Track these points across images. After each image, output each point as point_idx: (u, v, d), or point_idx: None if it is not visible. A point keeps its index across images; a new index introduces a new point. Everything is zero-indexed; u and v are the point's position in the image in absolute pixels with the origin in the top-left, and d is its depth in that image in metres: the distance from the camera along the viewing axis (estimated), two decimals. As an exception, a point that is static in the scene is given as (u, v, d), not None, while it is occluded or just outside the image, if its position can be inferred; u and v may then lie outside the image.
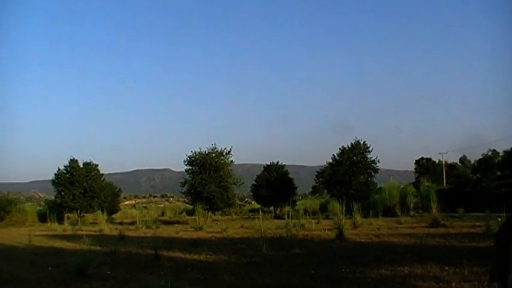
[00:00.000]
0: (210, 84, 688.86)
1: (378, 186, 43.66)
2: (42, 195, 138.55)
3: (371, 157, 41.22)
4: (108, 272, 11.73)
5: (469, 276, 9.53)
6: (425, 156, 70.89)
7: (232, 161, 41.97)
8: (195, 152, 40.73)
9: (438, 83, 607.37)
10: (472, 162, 54.90)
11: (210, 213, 41.26)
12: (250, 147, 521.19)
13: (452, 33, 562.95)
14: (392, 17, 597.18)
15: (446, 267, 10.53)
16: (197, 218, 32.56)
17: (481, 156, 48.22)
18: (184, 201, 58.70)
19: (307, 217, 31.53)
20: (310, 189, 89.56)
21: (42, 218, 43.61)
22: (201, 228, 28.86)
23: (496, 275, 3.23)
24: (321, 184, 48.41)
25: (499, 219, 19.91)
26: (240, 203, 68.83)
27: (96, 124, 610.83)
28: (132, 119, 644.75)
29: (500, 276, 3.13)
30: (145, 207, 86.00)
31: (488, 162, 45.33)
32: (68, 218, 44.15)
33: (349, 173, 40.36)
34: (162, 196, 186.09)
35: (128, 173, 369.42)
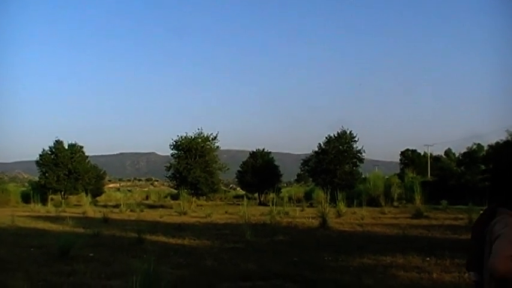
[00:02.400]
0: (198, 70, 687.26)
1: (363, 176, 43.81)
2: (26, 176, 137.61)
3: (357, 147, 41.49)
4: (91, 254, 11.70)
5: (450, 267, 9.62)
6: (410, 148, 71.20)
7: (218, 146, 42.09)
8: (181, 137, 40.71)
9: (426, 75, 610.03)
10: (457, 155, 55.25)
11: (194, 198, 41.25)
12: (236, 133, 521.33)
13: (441, 26, 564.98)
14: (386, 12, 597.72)
15: (428, 258, 10.61)
16: (181, 202, 32.53)
17: (466, 150, 48.50)
18: (169, 186, 58.62)
19: (292, 205, 31.65)
20: (295, 177, 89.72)
21: (26, 198, 43.38)
22: (185, 213, 28.86)
23: (471, 265, 3.36)
24: (306, 172, 48.65)
25: (481, 212, 20.08)
26: (224, 188, 68.98)
27: (82, 106, 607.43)
28: (118, 101, 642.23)
29: (476, 266, 3.24)
30: (129, 191, 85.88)
31: (472, 156, 45.56)
32: (52, 199, 43.95)
33: (335, 162, 40.51)
34: (147, 180, 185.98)
35: (113, 155, 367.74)
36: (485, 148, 45.13)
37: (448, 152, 62.26)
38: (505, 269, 2.72)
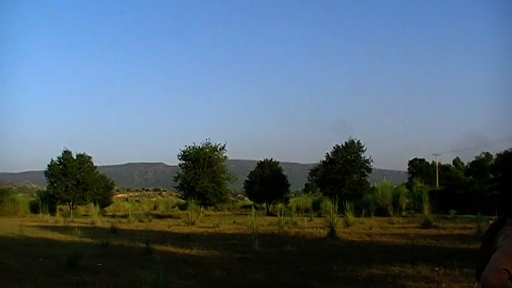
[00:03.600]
0: (205, 80, 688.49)
1: (371, 185, 43.70)
2: (34, 186, 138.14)
3: (365, 156, 41.32)
4: (100, 264, 11.72)
5: (459, 277, 9.57)
6: (418, 157, 71.05)
7: (225, 156, 41.98)
8: (189, 147, 40.72)
9: (434, 84, 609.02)
10: (465, 164, 55.07)
11: (202, 208, 41.21)
12: (243, 143, 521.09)
13: (448, 34, 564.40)
14: (391, 18, 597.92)
15: (437, 268, 10.56)
16: (190, 212, 32.52)
17: (474, 159, 48.36)
18: (177, 196, 58.70)
19: (300, 215, 31.56)
20: (303, 187, 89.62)
21: (34, 209, 43.55)
22: (193, 223, 28.87)
23: (480, 275, 3.34)
24: (314, 182, 48.44)
25: (491, 222, 19.85)
26: (232, 198, 68.85)
27: (91, 117, 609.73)
28: (126, 112, 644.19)
29: None
30: (137, 201, 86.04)
31: (481, 165, 45.44)
32: (60, 209, 44.05)
33: (343, 171, 40.41)
34: (155, 190, 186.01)
35: (121, 166, 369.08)
36: (494, 157, 44.99)
37: (456, 161, 62.15)
38: (497, 282, 2.69)
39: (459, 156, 63.95)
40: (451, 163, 64.34)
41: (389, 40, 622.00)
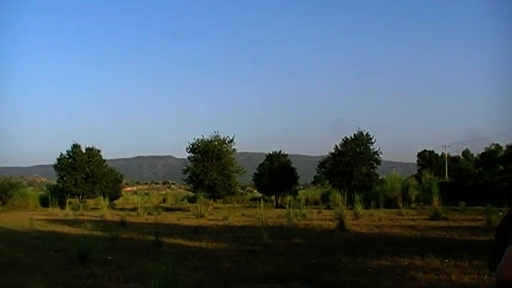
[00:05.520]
0: (214, 73, 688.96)
1: (380, 177, 43.65)
2: (44, 180, 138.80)
3: (373, 148, 41.24)
4: (109, 257, 11.76)
5: (469, 269, 9.53)
6: (428, 149, 70.83)
7: (234, 149, 42.05)
8: (198, 140, 40.84)
9: (444, 77, 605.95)
10: (475, 155, 54.85)
11: (211, 201, 41.29)
12: (252, 136, 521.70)
13: (458, 26, 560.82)
14: (399, 15, 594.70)
15: (447, 260, 10.52)
16: (198, 205, 32.54)
17: (483, 150, 48.17)
18: (186, 189, 58.83)
19: (309, 207, 31.52)
20: (312, 179, 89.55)
21: (44, 202, 43.71)
22: (202, 216, 28.89)
23: (494, 267, 3.28)
24: (322, 174, 48.49)
25: (501, 214, 19.85)
26: (241, 191, 68.99)
27: (100, 110, 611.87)
28: (135, 105, 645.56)
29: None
30: (147, 194, 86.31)
31: (490, 156, 45.28)
32: (70, 203, 44.18)
33: (352, 163, 40.35)
34: (164, 183, 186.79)
35: (130, 159, 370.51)
36: (504, 148, 44.79)
37: (465, 153, 61.95)
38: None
39: (468, 148, 63.79)
40: (460, 155, 64.18)
41: (398, 36, 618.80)
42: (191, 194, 50.18)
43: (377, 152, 41.12)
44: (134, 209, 35.23)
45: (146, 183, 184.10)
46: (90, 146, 47.30)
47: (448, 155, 69.56)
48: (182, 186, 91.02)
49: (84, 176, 44.92)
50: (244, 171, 43.70)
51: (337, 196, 31.98)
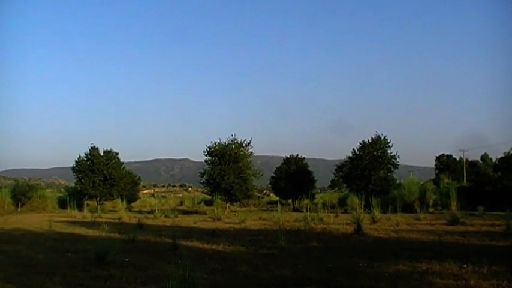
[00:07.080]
0: (232, 76, 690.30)
1: (398, 181, 43.40)
2: (62, 182, 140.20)
3: (391, 152, 41.06)
4: (127, 260, 11.81)
5: (488, 274, 9.44)
6: (446, 153, 70.39)
7: (251, 152, 42.07)
8: (215, 143, 40.95)
9: (462, 79, 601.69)
10: (494, 160, 54.33)
11: (228, 204, 41.38)
12: (269, 139, 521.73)
13: (469, 27, 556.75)
14: (413, 17, 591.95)
15: (465, 265, 10.43)
16: (215, 208, 32.61)
17: (502, 155, 47.67)
18: (203, 192, 58.97)
19: (326, 211, 31.49)
20: (329, 183, 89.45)
21: (62, 204, 44.14)
22: (219, 219, 28.93)
23: None
24: (340, 178, 48.34)
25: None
26: (258, 194, 68.98)
27: (118, 113, 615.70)
28: (153, 108, 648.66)
29: None
30: (164, 197, 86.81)
31: (510, 161, 44.75)
32: (88, 205, 44.61)
33: (369, 167, 40.23)
34: (181, 186, 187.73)
35: (147, 162, 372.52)
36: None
37: (484, 157, 61.41)
38: None
39: (487, 152, 63.23)
40: (479, 159, 63.63)
41: (418, 38, 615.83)
42: (208, 197, 50.32)
43: (395, 156, 40.95)
44: (151, 212, 35.36)
45: (163, 186, 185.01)
46: (108, 149, 47.67)
47: (466, 159, 69.07)
48: (199, 189, 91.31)
49: (102, 179, 45.22)
50: (261, 175, 43.69)
51: (355, 200, 31.86)
